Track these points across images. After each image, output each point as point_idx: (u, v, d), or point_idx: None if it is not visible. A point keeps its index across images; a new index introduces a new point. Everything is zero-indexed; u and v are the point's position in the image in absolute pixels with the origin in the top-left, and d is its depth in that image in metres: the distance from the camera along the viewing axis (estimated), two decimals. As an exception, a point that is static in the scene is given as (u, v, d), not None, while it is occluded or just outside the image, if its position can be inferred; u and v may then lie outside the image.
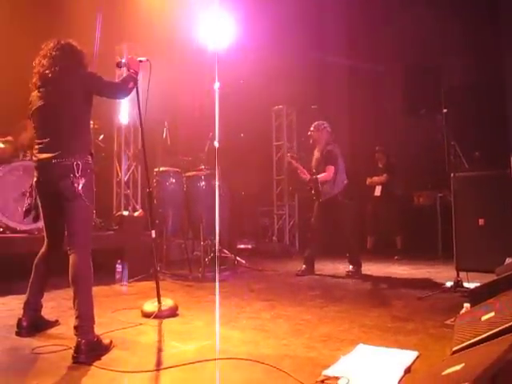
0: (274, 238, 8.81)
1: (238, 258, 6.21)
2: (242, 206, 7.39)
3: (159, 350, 2.80)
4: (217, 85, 9.99)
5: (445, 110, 4.58)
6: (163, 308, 3.48)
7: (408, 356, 2.53)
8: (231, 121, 9.05)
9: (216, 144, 7.64)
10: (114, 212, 6.47)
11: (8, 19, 6.74)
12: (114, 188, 7.02)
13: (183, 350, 2.78)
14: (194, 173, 6.08)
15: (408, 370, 2.35)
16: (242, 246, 8.14)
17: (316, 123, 5.84)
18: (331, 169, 5.57)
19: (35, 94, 2.97)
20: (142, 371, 2.43)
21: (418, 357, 2.54)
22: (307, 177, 5.69)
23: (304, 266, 5.68)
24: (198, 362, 2.54)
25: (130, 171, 7.19)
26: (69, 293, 3.91)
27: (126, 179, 7.13)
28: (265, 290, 4.75)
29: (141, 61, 3.40)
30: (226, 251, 6.45)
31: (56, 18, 7.05)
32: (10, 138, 5.92)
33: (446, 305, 3.86)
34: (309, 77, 8.68)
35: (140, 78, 3.31)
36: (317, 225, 5.74)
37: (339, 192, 5.63)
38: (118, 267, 5.20)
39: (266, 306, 3.95)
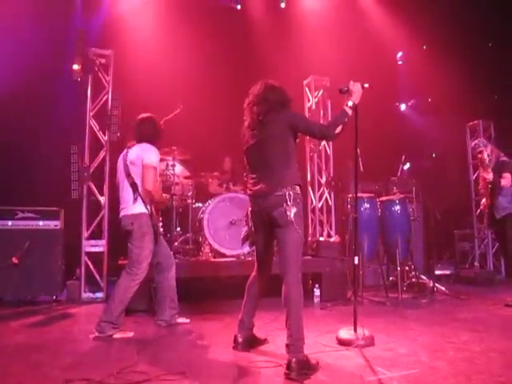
0: (476, 263, 8.11)
1: (436, 285, 5.90)
2: (438, 230, 7.04)
3: (365, 375, 2.83)
4: (403, 106, 9.81)
5: None
6: (360, 337, 3.46)
7: None
8: (422, 140, 8.76)
9: (407, 166, 7.49)
10: (310, 238, 6.73)
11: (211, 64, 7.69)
12: (308, 215, 7.32)
13: (389, 377, 2.77)
14: (387, 197, 6.04)
15: None
16: (439, 272, 7.67)
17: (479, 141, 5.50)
18: (508, 176, 5.11)
19: (247, 133, 3.28)
20: (351, 394, 2.51)
21: None
22: (490, 177, 5.19)
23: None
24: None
25: (324, 198, 7.42)
26: (273, 314, 4.27)
27: (319, 206, 7.39)
28: (471, 320, 4.40)
29: (363, 87, 3.28)
30: (423, 277, 6.20)
31: (249, 56, 7.84)
32: (216, 173, 6.74)
33: None
34: None
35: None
36: None
37: None
38: (316, 291, 5.39)
39: (475, 337, 3.67)
